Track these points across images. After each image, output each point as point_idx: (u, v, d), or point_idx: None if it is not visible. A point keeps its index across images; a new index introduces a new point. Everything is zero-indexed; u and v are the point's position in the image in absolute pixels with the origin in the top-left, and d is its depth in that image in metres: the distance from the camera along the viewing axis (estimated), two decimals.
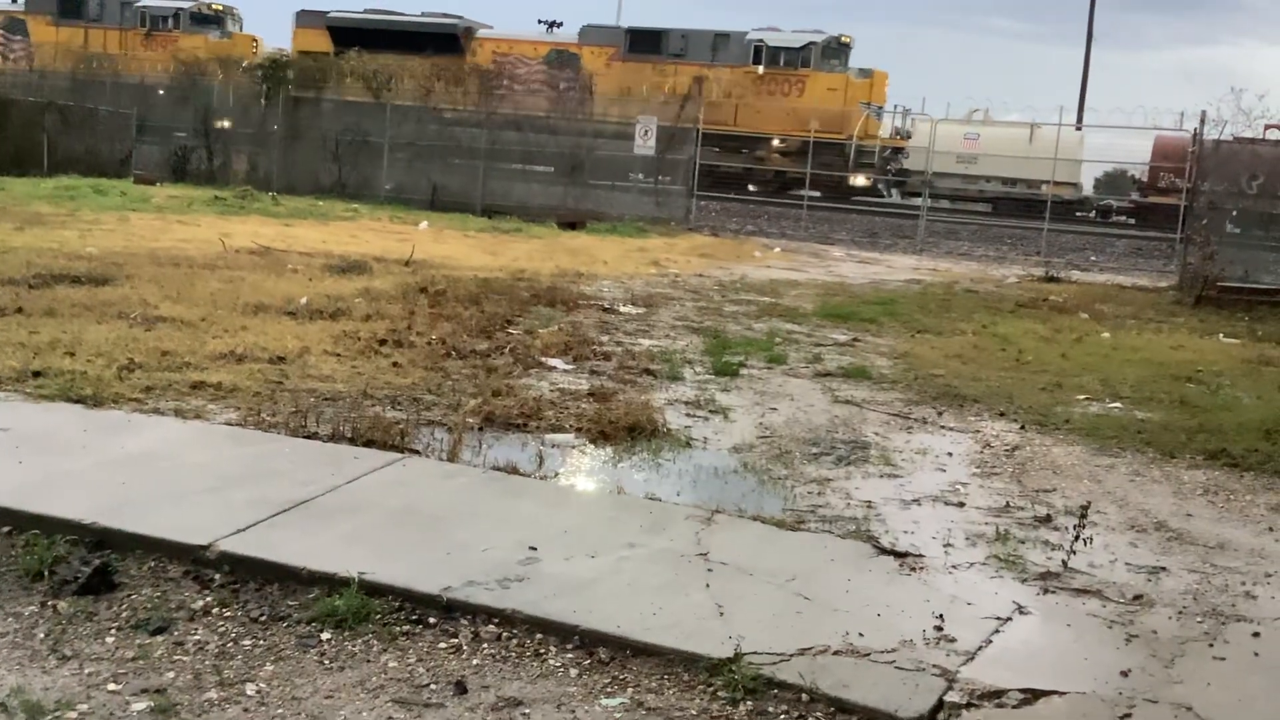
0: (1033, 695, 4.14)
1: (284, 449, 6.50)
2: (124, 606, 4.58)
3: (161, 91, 31.74)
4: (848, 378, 9.94)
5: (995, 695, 4.12)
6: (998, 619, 4.79)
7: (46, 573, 4.76)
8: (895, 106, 36.37)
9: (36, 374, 7.63)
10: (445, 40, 38.34)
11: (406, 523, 5.46)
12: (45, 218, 17.92)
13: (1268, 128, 22.53)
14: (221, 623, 4.50)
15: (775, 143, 36.00)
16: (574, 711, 3.97)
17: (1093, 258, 25.81)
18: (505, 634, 4.46)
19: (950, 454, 7.60)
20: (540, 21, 41.39)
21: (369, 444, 6.66)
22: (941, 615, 4.71)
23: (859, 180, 35.05)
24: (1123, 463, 7.63)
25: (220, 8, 42.42)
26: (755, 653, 4.26)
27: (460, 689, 4.06)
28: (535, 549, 5.14)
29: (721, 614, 4.61)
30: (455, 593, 4.65)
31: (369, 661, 4.25)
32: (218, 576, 4.85)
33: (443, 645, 4.39)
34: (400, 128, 28.38)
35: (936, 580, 5.19)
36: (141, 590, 4.73)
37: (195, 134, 29.68)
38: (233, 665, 4.18)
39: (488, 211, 26.07)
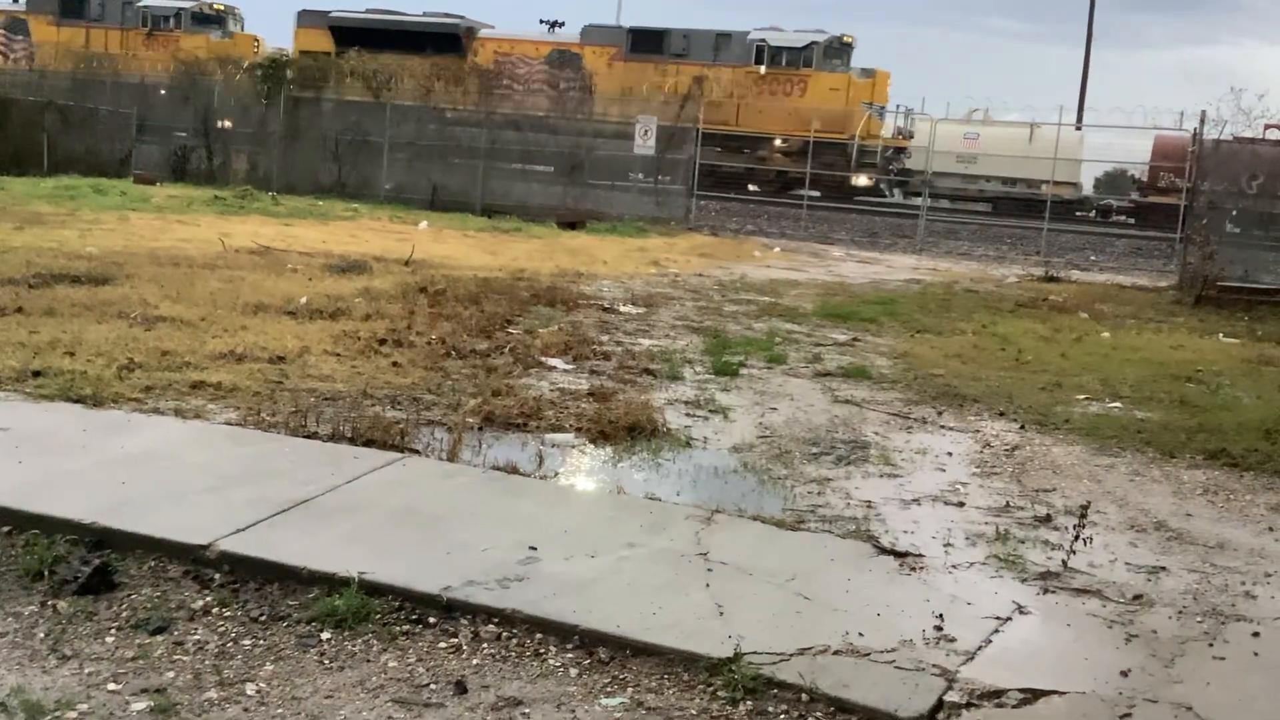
0: (1032, 695, 4.14)
1: (284, 449, 6.50)
2: (124, 606, 4.59)
3: (162, 91, 31.73)
4: (847, 377, 9.94)
5: (995, 695, 4.12)
6: (997, 619, 4.79)
7: (46, 572, 4.76)
8: (897, 106, 36.43)
9: (36, 374, 7.64)
10: (447, 40, 38.32)
11: (406, 522, 5.46)
12: (45, 217, 17.93)
13: (1267, 127, 22.53)
14: (221, 622, 4.50)
15: (777, 143, 35.97)
16: (574, 711, 3.97)
17: (1092, 257, 25.80)
18: (505, 634, 4.46)
19: (950, 454, 7.60)
20: (542, 21, 41.51)
21: (369, 444, 6.66)
22: (941, 615, 4.72)
23: (861, 180, 35.05)
24: (1122, 462, 7.63)
25: (222, 7, 42.39)
26: (755, 652, 4.26)
27: (460, 689, 4.06)
28: (535, 549, 5.14)
29: (721, 614, 4.61)
30: (455, 592, 4.66)
31: (369, 661, 4.25)
32: (218, 576, 4.85)
33: (443, 645, 4.39)
34: (400, 127, 28.38)
35: (936, 580, 5.19)
36: (141, 590, 4.73)
37: (195, 134, 29.70)
38: (233, 665, 4.18)
39: (487, 211, 26.06)
